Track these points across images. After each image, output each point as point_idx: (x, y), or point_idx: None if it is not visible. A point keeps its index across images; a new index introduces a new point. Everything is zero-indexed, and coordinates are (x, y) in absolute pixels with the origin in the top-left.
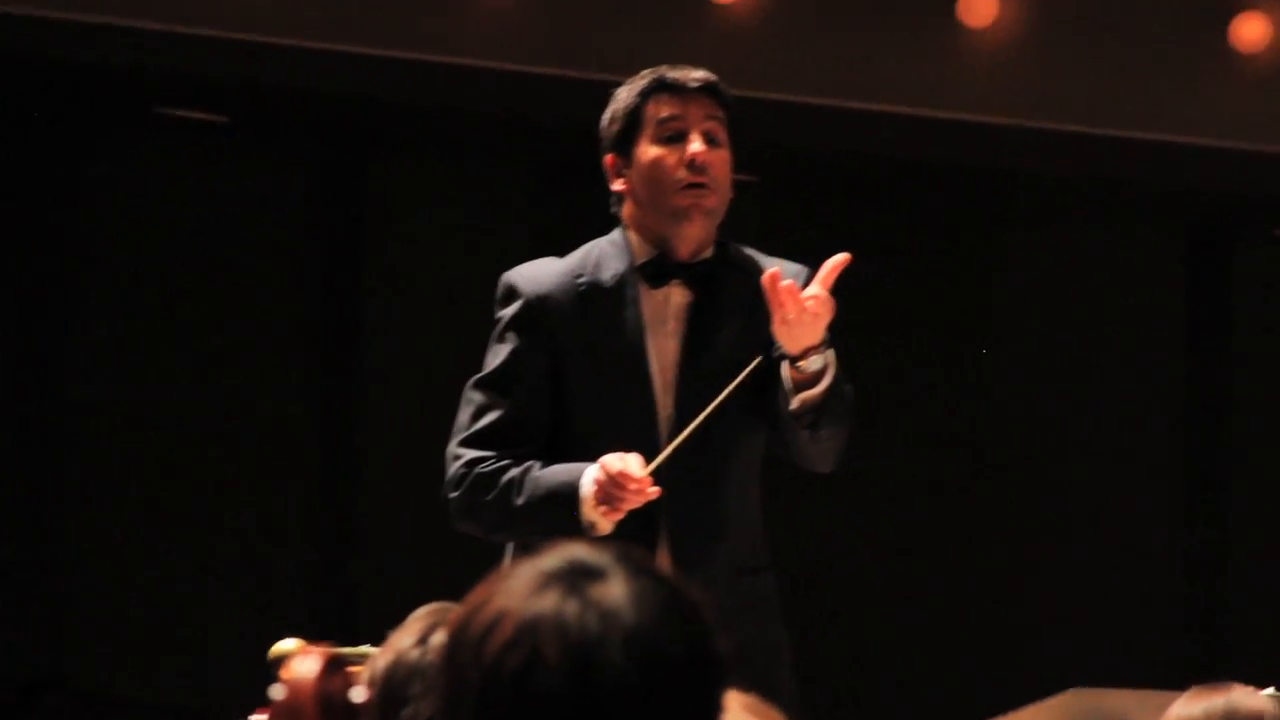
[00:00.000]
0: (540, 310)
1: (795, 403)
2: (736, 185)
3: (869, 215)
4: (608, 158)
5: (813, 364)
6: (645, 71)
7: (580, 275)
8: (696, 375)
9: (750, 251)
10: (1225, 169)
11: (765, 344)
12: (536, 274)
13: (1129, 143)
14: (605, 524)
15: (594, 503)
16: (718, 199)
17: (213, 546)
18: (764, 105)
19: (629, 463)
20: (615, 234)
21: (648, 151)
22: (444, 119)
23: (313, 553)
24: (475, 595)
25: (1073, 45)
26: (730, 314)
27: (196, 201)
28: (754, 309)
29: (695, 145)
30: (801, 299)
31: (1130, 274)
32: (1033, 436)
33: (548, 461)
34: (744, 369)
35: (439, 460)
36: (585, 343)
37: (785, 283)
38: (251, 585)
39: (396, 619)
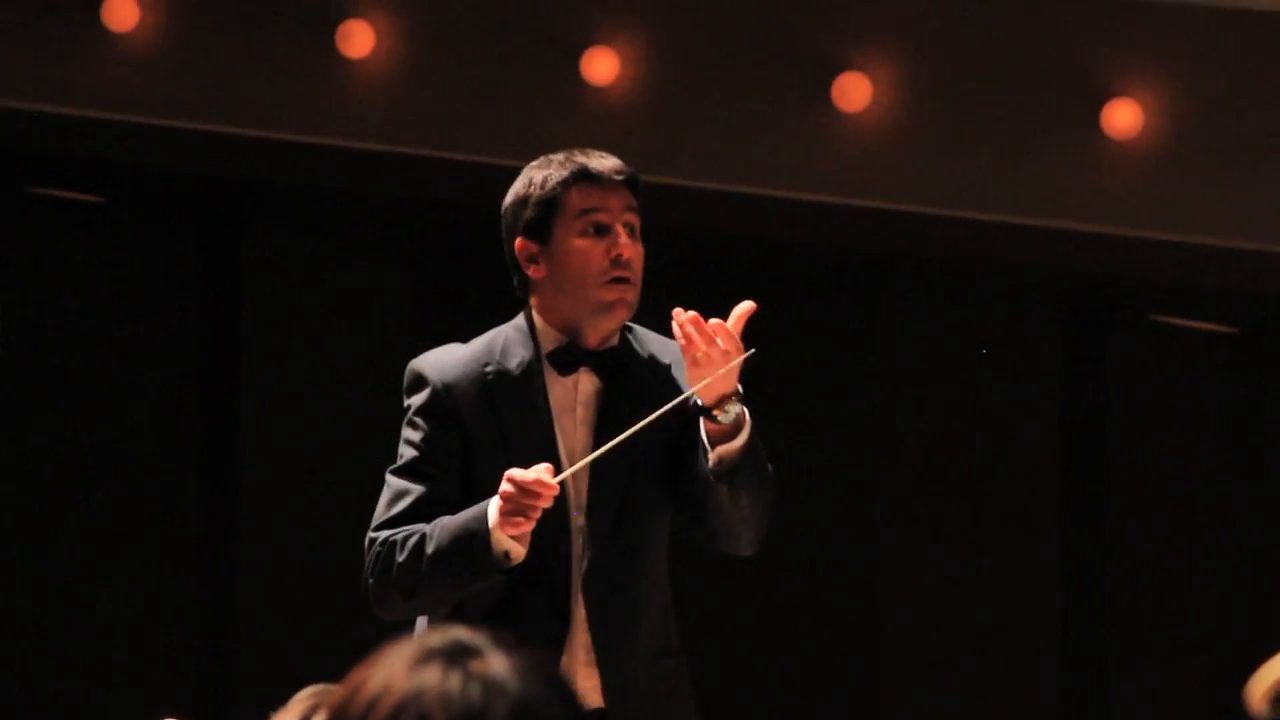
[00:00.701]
0: (448, 397)
1: (713, 458)
2: None
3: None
4: (518, 242)
5: (729, 413)
6: (557, 156)
7: (487, 364)
8: (610, 461)
9: (654, 335)
10: (1101, 254)
11: (681, 422)
12: (442, 361)
13: (1004, 227)
14: (518, 548)
15: (501, 520)
16: (637, 292)
17: (89, 625)
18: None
19: (538, 471)
20: (520, 320)
21: (570, 243)
22: (319, 199)
23: (192, 633)
24: (355, 675)
25: (950, 131)
26: (641, 398)
27: (72, 281)
28: (664, 392)
29: (622, 241)
30: (711, 334)
31: (1008, 358)
32: (910, 524)
33: None
34: (655, 447)
35: (318, 537)
36: (494, 431)
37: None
38: (131, 665)
39: (277, 702)
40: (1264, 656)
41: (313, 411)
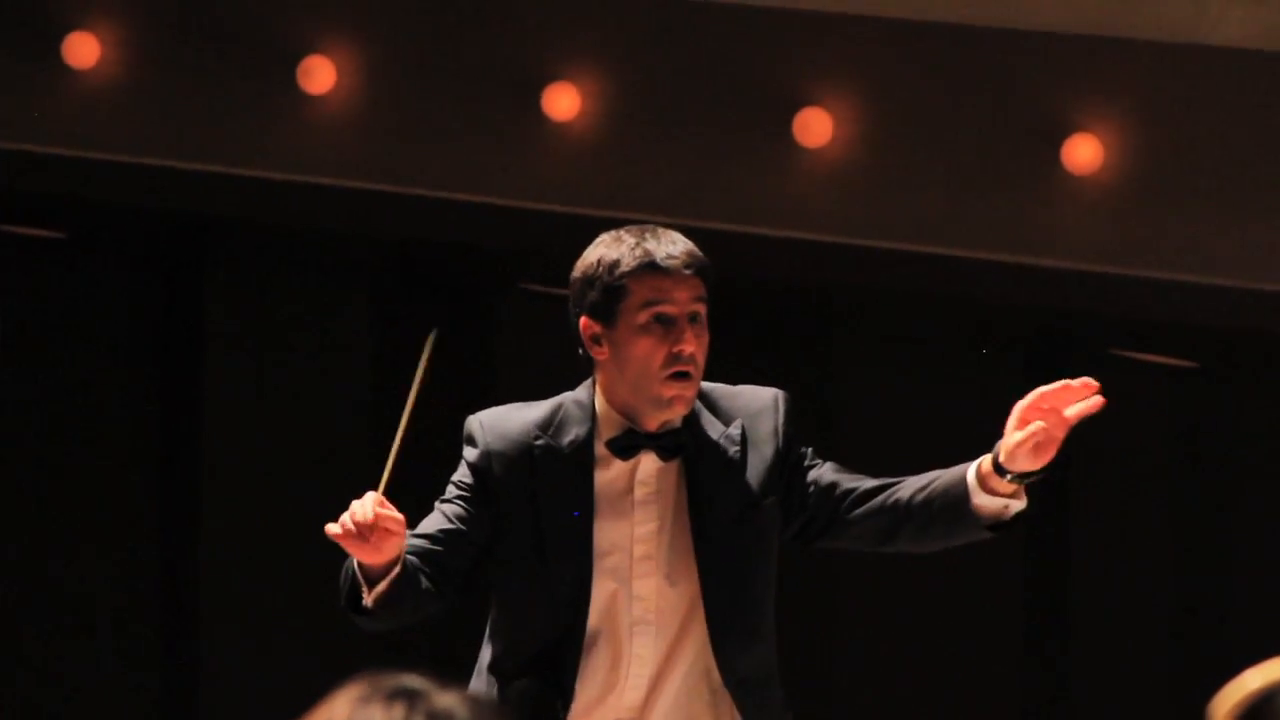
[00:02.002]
0: (491, 464)
1: (997, 511)
2: (559, 298)
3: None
4: (582, 321)
5: (1008, 491)
6: (629, 237)
7: (539, 438)
8: (706, 540)
9: (722, 389)
10: (1062, 288)
11: (774, 469)
12: (498, 426)
13: (965, 262)
14: (372, 584)
15: (358, 566)
16: (697, 386)
17: (48, 669)
18: (600, 223)
19: (365, 502)
20: (583, 394)
21: (632, 337)
22: (280, 234)
23: (154, 681)
24: (307, 717)
25: (911, 166)
26: (714, 462)
27: (33, 317)
28: (743, 453)
29: (685, 336)
30: (1056, 415)
31: (967, 392)
32: (865, 565)
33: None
34: (755, 512)
35: (279, 570)
36: (528, 510)
37: (1026, 402)
38: (88, 678)
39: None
40: (1220, 683)
41: (274, 446)
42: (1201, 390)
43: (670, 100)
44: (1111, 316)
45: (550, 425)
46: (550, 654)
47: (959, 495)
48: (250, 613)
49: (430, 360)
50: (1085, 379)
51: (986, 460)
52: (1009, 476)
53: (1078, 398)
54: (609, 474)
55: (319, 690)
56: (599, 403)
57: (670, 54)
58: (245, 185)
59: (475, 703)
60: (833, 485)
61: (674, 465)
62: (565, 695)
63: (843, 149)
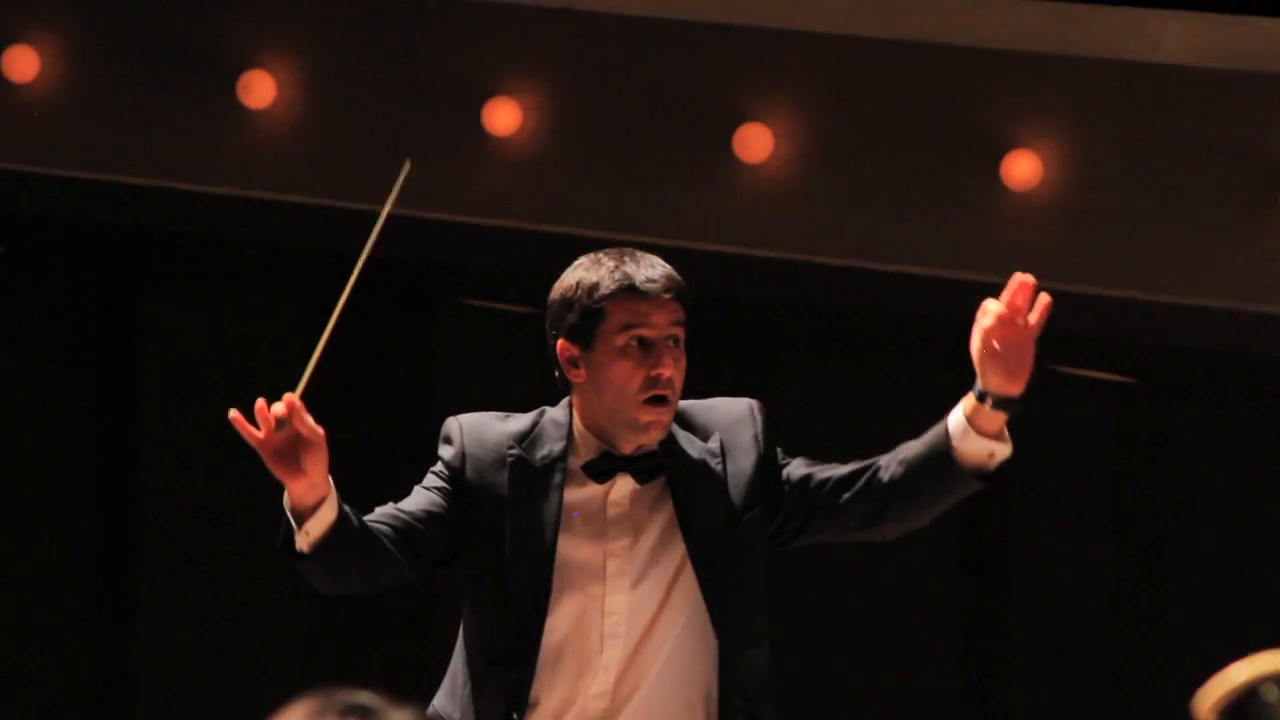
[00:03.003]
0: (462, 464)
1: (988, 455)
2: (513, 317)
3: None
4: (560, 343)
5: (1018, 407)
6: (607, 261)
7: (512, 447)
8: (701, 556)
9: (699, 404)
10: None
11: (757, 477)
12: (477, 432)
13: (904, 278)
14: (301, 516)
15: (288, 503)
16: (674, 409)
17: None
18: (541, 237)
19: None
20: (559, 413)
21: (610, 360)
22: (219, 249)
23: (90, 684)
24: None
25: (851, 182)
26: (702, 485)
27: None
28: (724, 466)
29: (665, 362)
30: (1019, 319)
31: (905, 407)
32: (804, 582)
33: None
34: (744, 522)
35: (218, 585)
36: (496, 519)
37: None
38: (21, 688)
39: None
40: (1159, 695)
41: (213, 461)
42: (1141, 405)
43: (610, 115)
44: (1051, 332)
45: (526, 438)
46: (512, 660)
47: (941, 450)
48: (190, 613)
49: (400, 193)
50: (1021, 277)
51: (968, 397)
52: (990, 401)
53: (1024, 303)
54: (582, 492)
55: (258, 687)
56: (575, 425)
57: (610, 69)
58: (184, 200)
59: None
60: (806, 478)
61: (650, 485)
62: (519, 704)
63: (783, 165)
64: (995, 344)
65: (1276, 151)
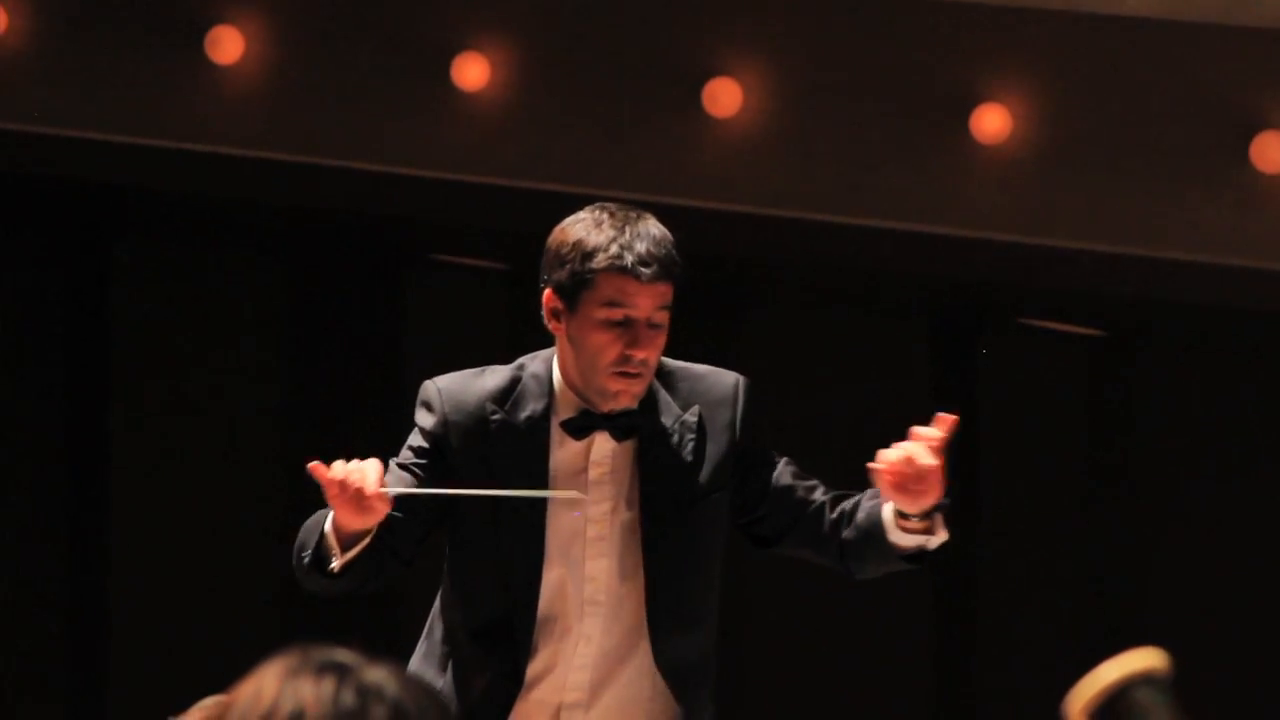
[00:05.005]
0: (447, 434)
1: (909, 546)
2: (483, 272)
3: None
4: (547, 293)
5: (936, 521)
6: (608, 228)
7: (495, 412)
8: (653, 524)
9: (687, 369)
10: (970, 258)
11: (727, 461)
12: (457, 396)
13: (873, 231)
14: (343, 547)
15: (335, 528)
16: (645, 384)
17: None
18: (511, 193)
19: (365, 470)
20: (541, 366)
21: (589, 329)
22: (189, 205)
23: (60, 652)
24: (237, 688)
25: (820, 136)
26: (669, 444)
27: None
28: (698, 436)
29: (640, 344)
30: (916, 469)
31: (876, 362)
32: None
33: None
34: (704, 502)
35: (191, 546)
36: (484, 484)
37: (884, 463)
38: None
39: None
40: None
41: (185, 417)
42: (1110, 358)
43: (579, 70)
44: (1020, 285)
45: (507, 399)
46: (501, 629)
47: (879, 536)
48: (161, 605)
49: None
50: (943, 418)
51: (890, 506)
52: (912, 517)
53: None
54: (564, 452)
55: (230, 659)
56: (556, 379)
57: (579, 23)
58: (153, 155)
59: (405, 678)
60: (789, 490)
61: (629, 446)
62: (518, 672)
63: (751, 119)
64: (890, 483)
65: (1244, 104)
